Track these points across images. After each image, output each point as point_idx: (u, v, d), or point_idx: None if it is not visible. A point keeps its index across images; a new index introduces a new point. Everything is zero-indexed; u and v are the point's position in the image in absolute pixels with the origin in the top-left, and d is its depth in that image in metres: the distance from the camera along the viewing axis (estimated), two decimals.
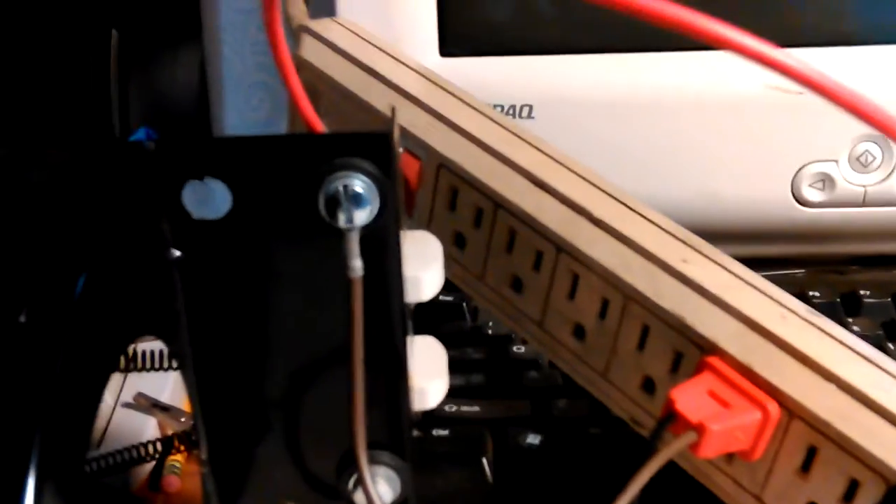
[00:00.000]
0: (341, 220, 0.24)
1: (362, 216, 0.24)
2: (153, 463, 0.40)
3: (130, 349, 0.34)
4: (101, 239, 0.24)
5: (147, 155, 0.23)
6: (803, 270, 0.50)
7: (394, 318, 0.26)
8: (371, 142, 0.23)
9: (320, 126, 0.31)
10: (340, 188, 0.23)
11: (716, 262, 0.32)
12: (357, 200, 0.23)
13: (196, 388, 0.26)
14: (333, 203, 0.24)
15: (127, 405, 0.43)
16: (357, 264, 0.24)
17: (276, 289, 0.25)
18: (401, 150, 0.26)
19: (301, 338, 0.26)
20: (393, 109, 0.25)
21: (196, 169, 0.24)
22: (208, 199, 0.24)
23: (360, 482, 0.26)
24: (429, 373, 0.28)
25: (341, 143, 0.23)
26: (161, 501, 0.40)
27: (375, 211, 0.24)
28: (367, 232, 0.24)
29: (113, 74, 0.63)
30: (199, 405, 0.27)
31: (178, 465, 0.41)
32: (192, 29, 0.61)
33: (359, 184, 0.23)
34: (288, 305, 0.26)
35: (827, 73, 0.24)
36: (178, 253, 0.25)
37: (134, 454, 0.35)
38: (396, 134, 0.24)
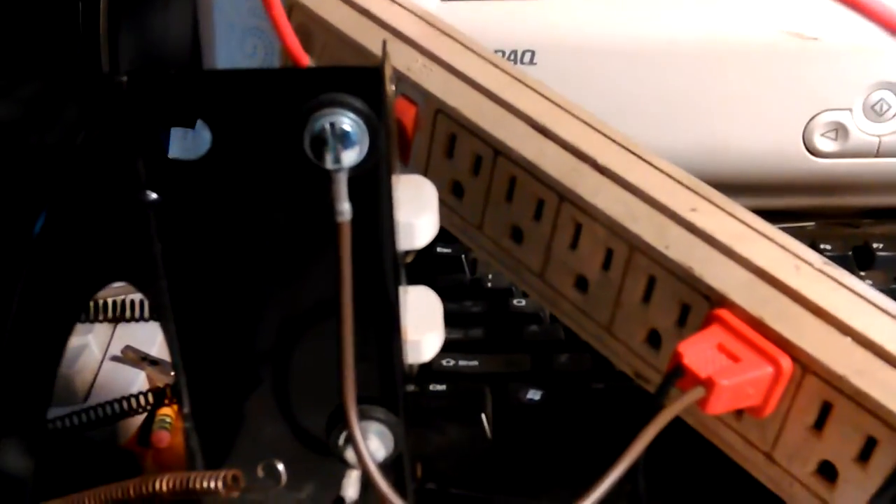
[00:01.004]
0: (328, 160, 0.22)
1: (351, 156, 0.22)
2: (142, 417, 0.39)
3: (112, 299, 0.33)
4: (67, 176, 0.22)
5: (118, 87, 0.22)
6: (814, 223, 0.49)
7: (385, 267, 0.24)
8: (360, 77, 0.22)
9: (306, 60, 0.30)
10: (327, 126, 0.22)
11: (726, 212, 0.30)
12: (345, 139, 0.22)
13: (177, 339, 0.25)
14: (319, 142, 0.22)
15: (115, 358, 0.42)
16: (345, 208, 0.22)
17: (259, 235, 0.24)
18: (394, 89, 0.25)
19: (288, 287, 0.25)
20: (384, 43, 0.24)
21: (171, 104, 0.22)
22: (187, 139, 0.22)
23: (351, 438, 0.25)
24: (423, 325, 0.27)
25: (328, 78, 0.22)
26: (150, 456, 0.39)
27: (365, 151, 0.22)
28: (357, 174, 0.22)
29: (103, 20, 0.61)
30: (179, 357, 0.25)
31: (168, 419, 0.39)
32: None
33: (347, 121, 0.22)
34: (273, 253, 0.24)
35: None
36: (154, 195, 0.23)
37: (123, 406, 0.34)
38: (388, 69, 0.23)
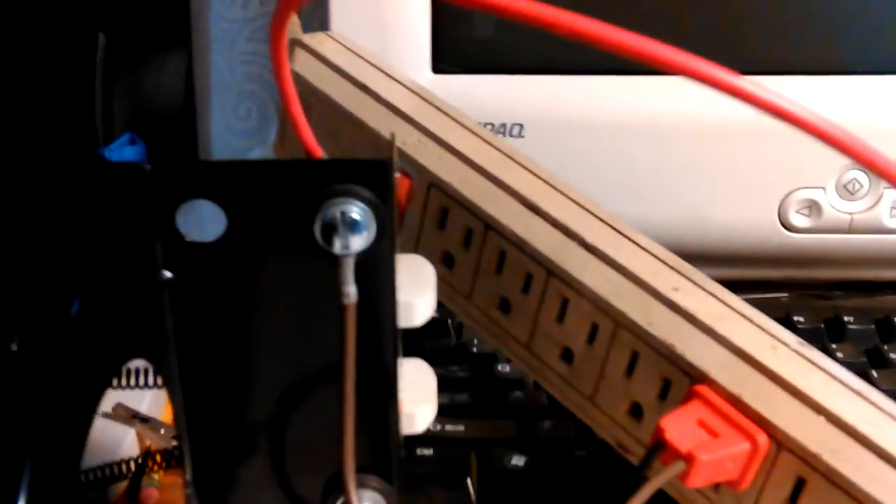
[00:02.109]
0: (337, 246, 0.23)
1: (359, 243, 0.23)
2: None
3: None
4: (95, 260, 0.24)
5: (143, 176, 0.23)
6: (787, 294, 0.50)
7: (385, 343, 0.25)
8: (369, 169, 0.23)
9: (319, 152, 0.31)
10: (338, 214, 0.23)
11: (707, 291, 0.32)
12: (354, 227, 0.23)
13: (183, 408, 0.26)
14: (330, 229, 0.23)
15: (105, 416, 0.43)
16: (351, 290, 0.24)
17: (267, 312, 0.25)
18: (398, 175, 0.26)
19: (291, 361, 0.26)
20: (392, 136, 0.25)
21: (191, 192, 0.23)
22: (202, 222, 0.23)
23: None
24: (418, 397, 0.28)
25: (339, 170, 0.23)
26: None
27: (372, 237, 0.24)
28: (362, 257, 0.24)
29: (98, 78, 0.62)
30: (184, 426, 0.26)
31: (156, 477, 0.40)
32: (179, 35, 0.61)
33: (356, 210, 0.23)
34: (279, 328, 0.25)
35: (789, 98, 0.24)
36: (168, 274, 0.24)
37: (114, 470, 0.35)
38: (395, 160, 0.24)
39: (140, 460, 0.35)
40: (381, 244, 0.24)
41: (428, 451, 0.39)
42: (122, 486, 0.41)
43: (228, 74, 0.56)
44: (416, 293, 0.26)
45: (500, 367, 0.44)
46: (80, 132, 0.62)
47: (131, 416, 0.42)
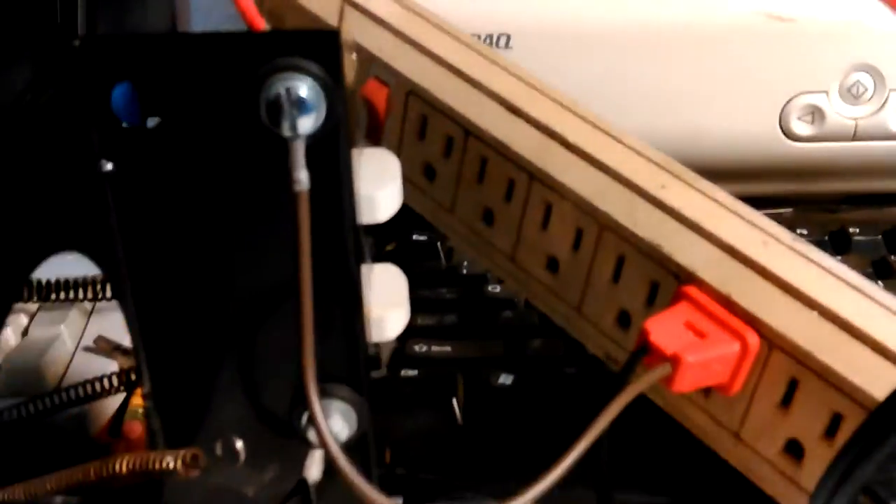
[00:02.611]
0: (284, 127, 0.22)
1: (307, 123, 0.22)
2: (114, 408, 0.39)
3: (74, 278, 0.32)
4: (16, 138, 0.22)
5: (73, 50, 0.21)
6: (792, 209, 0.48)
7: (346, 240, 0.24)
8: (317, 40, 0.21)
9: (261, 24, 0.29)
10: (283, 91, 0.21)
11: (696, 189, 0.30)
12: (301, 105, 0.21)
13: (135, 315, 0.24)
14: (275, 108, 0.22)
15: (87, 349, 0.42)
16: (303, 176, 0.22)
17: (217, 207, 0.23)
18: (354, 58, 0.24)
19: (248, 262, 0.24)
20: (341, 8, 0.24)
21: (127, 69, 0.22)
22: (139, 104, 0.22)
23: (312, 418, 0.25)
24: (387, 301, 0.26)
25: (284, 42, 0.21)
26: (122, 447, 0.39)
27: (322, 118, 0.22)
28: (314, 142, 0.22)
29: (81, 14, 0.61)
30: (139, 335, 0.25)
31: (140, 410, 0.39)
32: None
33: (303, 87, 0.22)
34: (231, 226, 0.24)
35: None
36: (109, 165, 0.23)
37: (88, 389, 0.33)
38: (346, 35, 0.22)
39: (114, 378, 0.34)
40: (334, 126, 0.22)
41: (413, 372, 0.38)
42: (105, 419, 0.40)
43: (209, 8, 0.55)
44: (379, 185, 0.25)
45: (490, 288, 0.43)
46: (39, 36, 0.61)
47: (113, 348, 0.42)
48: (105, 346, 0.42)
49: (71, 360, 0.42)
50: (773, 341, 0.27)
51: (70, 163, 0.23)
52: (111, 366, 0.41)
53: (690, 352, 0.26)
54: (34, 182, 0.23)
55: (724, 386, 0.28)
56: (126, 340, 0.42)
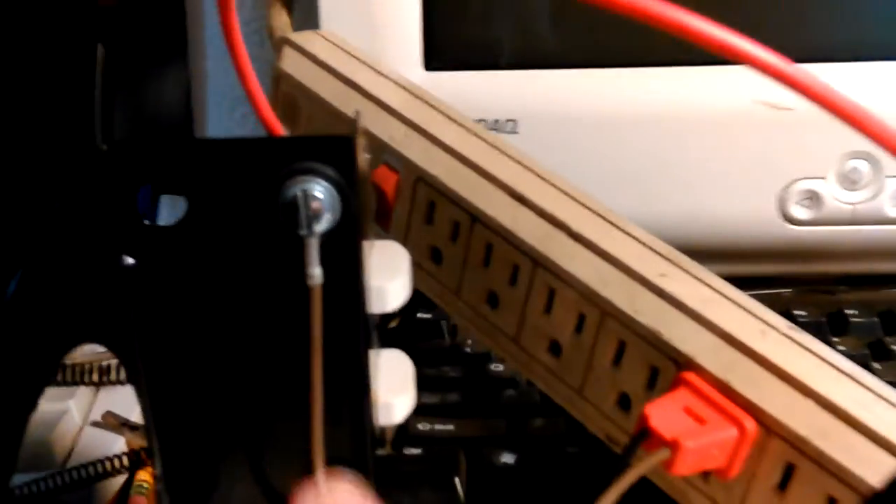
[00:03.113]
0: (300, 226, 0.23)
1: (322, 223, 0.23)
2: (120, 484, 0.39)
3: (93, 363, 0.33)
4: (44, 239, 0.23)
5: (101, 157, 0.23)
6: (790, 290, 0.49)
7: (356, 329, 0.25)
8: (332, 146, 0.23)
9: (279, 128, 0.31)
10: (299, 193, 0.23)
11: (694, 277, 0.31)
12: (317, 207, 0.23)
13: (148, 400, 0.25)
14: (292, 209, 0.23)
15: (95, 424, 0.43)
16: (316, 272, 0.23)
17: (233, 298, 0.24)
18: (368, 157, 0.25)
19: (260, 350, 0.25)
20: (357, 113, 0.25)
21: (150, 173, 0.23)
22: (162, 205, 0.23)
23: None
24: (395, 387, 0.27)
25: (301, 147, 0.23)
26: None
27: (337, 218, 0.23)
28: (328, 239, 0.23)
29: (98, 90, 0.62)
30: (151, 418, 0.26)
31: (145, 485, 0.40)
32: (179, 46, 0.60)
33: (319, 189, 0.23)
34: (246, 317, 0.25)
35: (839, 89, 0.23)
36: (131, 260, 0.24)
37: (97, 469, 0.34)
38: (361, 138, 0.23)
39: (124, 458, 0.34)
40: (347, 225, 0.23)
41: (416, 451, 0.38)
42: (111, 495, 0.40)
43: (224, 80, 0.56)
44: (389, 277, 0.26)
45: (493, 367, 0.43)
46: (79, 145, 0.62)
47: (120, 423, 0.42)
48: (113, 422, 0.43)
49: (79, 435, 0.43)
50: (770, 428, 0.27)
51: (95, 259, 0.24)
52: (118, 441, 0.42)
53: (689, 437, 0.27)
54: (62, 279, 0.24)
55: (722, 470, 0.28)
56: (133, 416, 0.42)
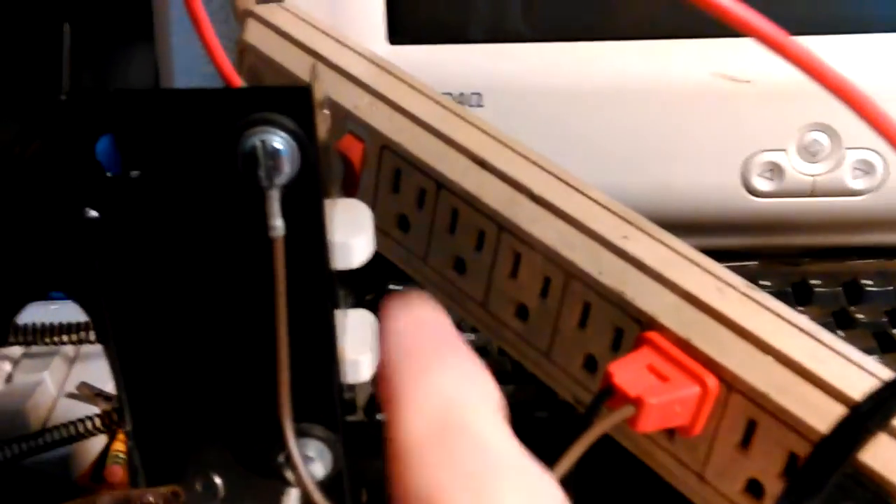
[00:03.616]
0: (260, 177, 0.23)
1: (282, 173, 0.23)
2: (96, 454, 0.39)
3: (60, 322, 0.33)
4: (5, 191, 0.23)
5: (58, 105, 0.23)
6: (756, 262, 0.50)
7: (320, 283, 0.25)
8: (290, 96, 0.23)
9: (238, 80, 0.31)
10: (258, 144, 0.23)
11: (656, 239, 0.31)
12: (276, 157, 0.23)
13: (117, 357, 0.25)
14: (251, 160, 0.23)
15: (70, 395, 0.43)
16: (278, 223, 0.23)
17: (196, 251, 0.25)
18: (327, 113, 0.26)
19: (226, 306, 0.25)
20: (314, 66, 0.25)
21: (110, 122, 0.23)
22: (122, 155, 0.23)
23: (288, 457, 0.26)
24: (361, 345, 0.27)
25: (259, 98, 0.23)
26: (104, 491, 0.39)
27: (297, 169, 0.23)
28: (289, 191, 0.23)
29: (65, 69, 0.62)
30: (120, 375, 0.26)
31: (121, 454, 0.40)
32: (146, 24, 0.60)
33: (277, 140, 0.23)
34: (210, 271, 0.25)
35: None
36: (94, 213, 0.24)
37: (71, 430, 0.34)
38: (318, 91, 0.24)
39: (97, 420, 0.34)
40: (308, 175, 0.23)
41: None
42: (87, 464, 0.40)
43: (191, 57, 0.56)
44: (352, 233, 0.26)
45: (465, 336, 0.43)
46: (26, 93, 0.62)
47: (95, 394, 0.42)
48: (88, 393, 0.43)
49: (54, 407, 0.43)
50: (731, 384, 0.28)
51: (56, 210, 0.24)
52: (93, 412, 0.42)
53: (653, 394, 0.27)
54: (22, 229, 0.24)
55: (686, 427, 0.29)
56: (108, 387, 0.42)
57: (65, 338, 0.32)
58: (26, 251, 0.24)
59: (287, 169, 0.23)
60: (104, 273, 0.24)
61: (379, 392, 0.27)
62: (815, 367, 0.27)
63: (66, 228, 0.24)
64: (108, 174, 0.23)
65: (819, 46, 0.26)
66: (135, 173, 0.23)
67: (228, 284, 0.25)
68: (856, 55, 0.45)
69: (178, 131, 0.23)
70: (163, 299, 0.25)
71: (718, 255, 0.47)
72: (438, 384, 0.25)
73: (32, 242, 0.24)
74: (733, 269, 0.30)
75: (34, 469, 0.37)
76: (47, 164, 0.23)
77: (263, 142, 0.23)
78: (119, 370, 0.26)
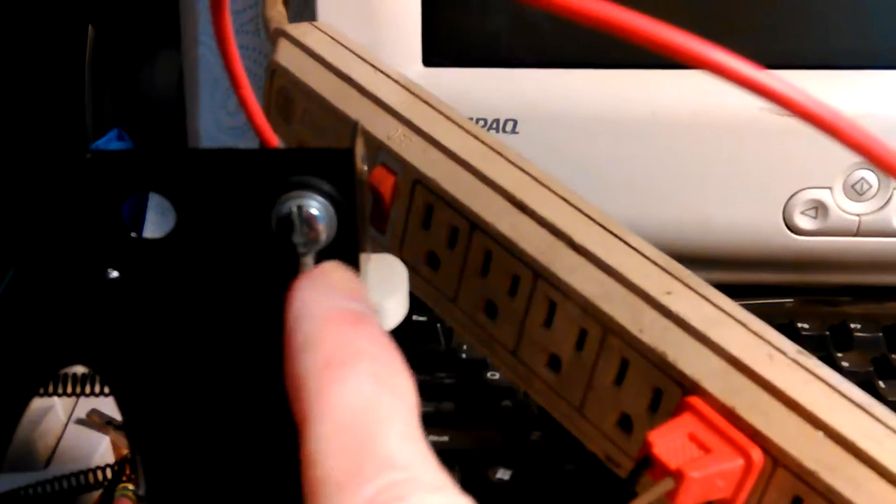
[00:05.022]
0: (295, 242, 0.22)
1: (317, 240, 0.22)
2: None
3: (74, 372, 0.32)
4: (27, 250, 0.22)
5: (84, 165, 0.21)
6: (792, 300, 0.48)
7: None
8: (330, 159, 0.21)
9: (275, 140, 0.29)
10: (294, 209, 0.21)
11: (701, 295, 0.30)
12: (312, 222, 0.22)
13: (131, 419, 0.24)
14: (286, 225, 0.22)
15: (80, 422, 0.42)
16: None
17: (223, 316, 0.23)
18: (366, 169, 0.24)
19: (250, 369, 0.24)
20: (356, 125, 0.24)
21: (138, 183, 0.22)
22: (149, 216, 0.22)
23: None
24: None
25: (297, 160, 0.22)
26: None
27: (333, 233, 0.22)
28: (324, 256, 0.22)
29: (88, 72, 0.61)
30: (134, 438, 0.25)
31: (130, 487, 0.39)
32: (172, 30, 0.59)
33: (314, 205, 0.22)
34: (235, 334, 0.24)
35: (813, 95, 0.22)
36: (114, 273, 0.22)
37: (82, 480, 0.33)
38: (359, 150, 0.22)
39: (108, 471, 0.33)
40: (344, 241, 0.22)
41: None
42: (95, 496, 0.39)
43: (217, 69, 0.55)
44: (387, 295, 0.25)
45: (489, 375, 0.42)
46: (69, 127, 0.61)
47: (105, 422, 0.41)
48: (97, 421, 0.42)
49: (63, 433, 0.42)
50: (777, 458, 0.26)
51: (78, 271, 0.22)
52: (103, 440, 0.41)
53: (694, 467, 0.26)
54: (47, 291, 0.23)
55: (727, 501, 0.27)
56: (119, 415, 0.41)
57: (79, 389, 0.30)
58: (48, 316, 0.23)
59: (323, 235, 0.22)
60: (123, 337, 0.23)
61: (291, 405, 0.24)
62: (868, 447, 0.25)
63: (87, 290, 0.23)
64: (132, 234, 0.22)
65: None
66: (160, 235, 0.22)
67: (253, 348, 0.24)
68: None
69: (209, 193, 0.22)
70: (183, 361, 0.24)
71: (754, 291, 0.46)
72: (348, 393, 0.22)
73: (54, 306, 0.23)
74: (769, 307, 0.29)
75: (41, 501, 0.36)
76: (71, 225, 0.22)
77: (300, 207, 0.21)
78: (134, 434, 0.25)
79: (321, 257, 0.22)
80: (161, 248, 0.22)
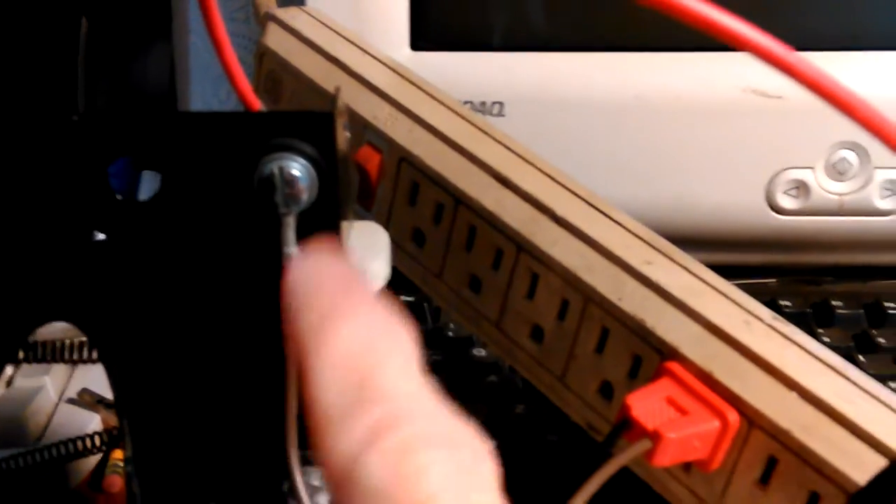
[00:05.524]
0: (277, 203, 0.22)
1: (299, 200, 0.22)
2: (95, 463, 0.39)
3: (68, 341, 0.32)
4: (13, 212, 0.22)
5: (71, 127, 0.22)
6: (775, 280, 0.49)
7: None
8: (311, 122, 0.22)
9: (256, 103, 0.30)
10: (276, 170, 0.22)
11: (680, 265, 0.30)
12: (293, 184, 0.22)
13: (118, 381, 0.25)
14: (268, 186, 0.22)
15: (71, 401, 0.42)
16: (293, 250, 0.22)
17: (207, 277, 0.24)
18: (348, 135, 0.25)
19: (234, 331, 0.25)
20: (337, 89, 0.24)
21: (124, 146, 0.22)
22: (135, 178, 0.22)
23: (292, 487, 0.25)
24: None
25: (279, 123, 0.22)
26: (102, 501, 0.39)
27: (314, 196, 0.22)
28: (306, 218, 0.23)
29: (81, 63, 0.62)
30: (121, 400, 0.25)
31: (121, 464, 0.39)
32: (164, 20, 0.60)
33: (296, 166, 0.22)
34: (220, 294, 0.24)
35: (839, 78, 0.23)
36: (101, 235, 0.23)
37: (72, 448, 0.34)
38: (340, 115, 0.23)
39: (97, 438, 0.34)
40: (325, 203, 0.23)
41: None
42: (86, 472, 0.40)
43: (208, 56, 0.55)
44: (369, 258, 0.25)
45: (475, 352, 0.43)
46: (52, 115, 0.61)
47: (96, 401, 0.42)
48: (88, 399, 0.42)
49: (54, 412, 0.42)
50: (752, 420, 0.27)
51: (64, 233, 0.23)
52: (94, 418, 0.42)
53: (671, 428, 0.27)
54: (28, 251, 0.23)
55: (703, 462, 0.28)
56: (110, 394, 0.42)
57: (67, 356, 0.31)
58: (34, 277, 0.23)
59: (304, 196, 0.22)
60: (109, 298, 0.24)
61: (287, 352, 0.25)
62: (841, 407, 0.26)
63: (72, 251, 0.23)
64: (118, 197, 0.23)
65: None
66: (146, 196, 0.23)
67: (238, 310, 0.24)
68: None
69: (193, 156, 0.22)
70: (169, 323, 0.24)
71: (737, 271, 0.47)
72: (345, 337, 0.22)
73: (40, 268, 0.23)
74: (752, 286, 0.29)
75: (31, 477, 0.37)
76: (58, 186, 0.22)
77: (282, 168, 0.22)
78: (121, 395, 0.25)
79: (303, 218, 0.23)
80: (146, 209, 0.23)
